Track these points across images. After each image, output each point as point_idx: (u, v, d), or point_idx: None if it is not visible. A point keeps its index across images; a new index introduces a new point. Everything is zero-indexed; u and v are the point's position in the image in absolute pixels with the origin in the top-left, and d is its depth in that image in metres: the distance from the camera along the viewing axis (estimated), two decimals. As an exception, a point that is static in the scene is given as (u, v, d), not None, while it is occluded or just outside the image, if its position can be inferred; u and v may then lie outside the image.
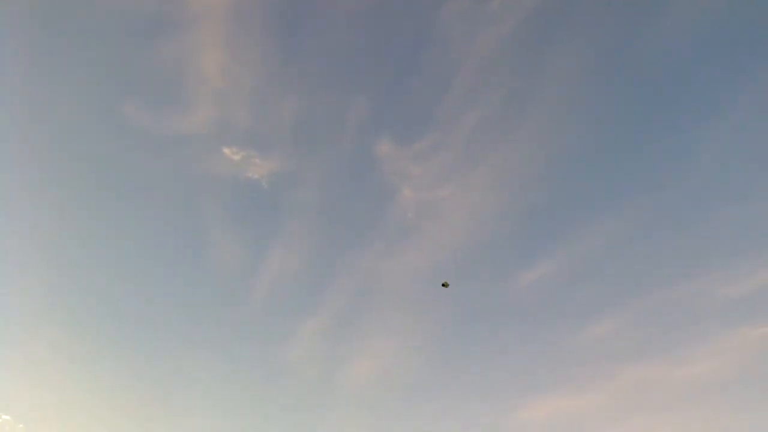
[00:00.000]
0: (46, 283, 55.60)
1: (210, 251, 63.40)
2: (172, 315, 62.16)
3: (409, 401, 66.66)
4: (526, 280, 67.61)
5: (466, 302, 69.40)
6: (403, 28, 64.46)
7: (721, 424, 55.79)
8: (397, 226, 68.58)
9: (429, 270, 71.62)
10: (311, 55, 61.52)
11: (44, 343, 53.21)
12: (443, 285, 33.45)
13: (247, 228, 68.19)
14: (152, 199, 61.10)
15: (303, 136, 63.95)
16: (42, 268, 56.89)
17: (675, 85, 63.54)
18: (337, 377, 64.37)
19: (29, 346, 52.58)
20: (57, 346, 54.17)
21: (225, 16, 58.08)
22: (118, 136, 57.75)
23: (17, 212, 54.87)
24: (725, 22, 60.10)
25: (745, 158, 63.94)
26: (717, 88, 62.97)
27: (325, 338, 64.98)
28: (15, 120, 53.02)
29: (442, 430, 64.07)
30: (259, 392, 63.40)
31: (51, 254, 56.70)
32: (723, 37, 60.44)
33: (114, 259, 60.18)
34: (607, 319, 68.33)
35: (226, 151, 60.49)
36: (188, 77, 56.59)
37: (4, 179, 53.68)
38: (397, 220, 68.91)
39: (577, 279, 70.23)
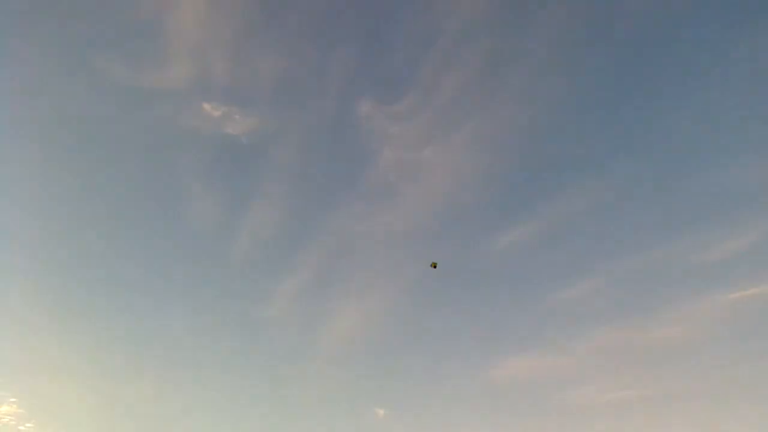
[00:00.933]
0: (25, 244, 55.54)
1: (188, 208, 63.16)
2: (150, 272, 62.11)
3: (386, 360, 67.74)
4: (504, 243, 68.09)
5: (444, 263, 69.86)
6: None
7: (691, 387, 57.40)
8: (377, 186, 68.53)
9: (408, 231, 71.88)
10: (293, 11, 60.00)
11: (20, 298, 53.20)
12: (432, 266, 34.09)
13: (227, 185, 67.82)
14: (129, 155, 60.46)
15: (284, 93, 62.98)
16: (19, 228, 56.62)
17: (654, 52, 62.76)
18: (316, 335, 65.15)
19: (4, 302, 52.46)
20: (33, 302, 54.27)
21: (203, -34, 56.32)
22: (92, 90, 56.59)
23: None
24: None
25: (722, 126, 63.78)
26: (695, 58, 62.22)
27: (305, 297, 65.49)
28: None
29: (419, 388, 65.58)
30: (238, 349, 64.10)
31: (29, 213, 56.44)
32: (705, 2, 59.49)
33: (90, 216, 59.92)
34: (582, 282, 69.02)
35: (206, 106, 59.68)
36: (166, 30, 55.13)
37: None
38: (377, 181, 68.79)
39: (553, 242, 70.75)
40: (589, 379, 62.95)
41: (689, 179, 63.64)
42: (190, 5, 54.84)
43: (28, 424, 47.48)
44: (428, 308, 67.99)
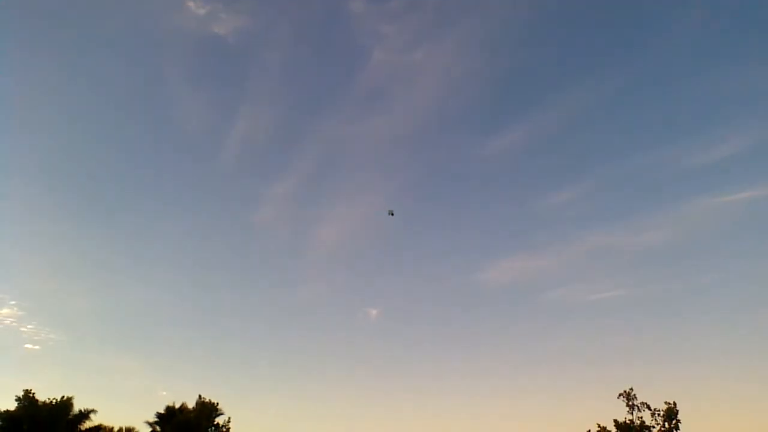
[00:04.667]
0: (14, 141, 52.99)
1: (175, 110, 60.58)
2: (138, 174, 60.95)
3: (377, 262, 69.86)
4: (495, 147, 67.85)
5: (433, 168, 69.99)
6: None
7: (678, 288, 60.83)
8: (367, 89, 66.15)
9: (399, 134, 70.66)
10: None
11: (18, 202, 51.82)
12: (389, 213, 34.56)
13: (214, 87, 64.74)
14: (113, 55, 56.51)
15: (272, -10, 58.05)
16: (10, 125, 53.64)
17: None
18: (307, 238, 66.20)
19: (3, 205, 50.92)
20: (31, 205, 53.22)
21: None
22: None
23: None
24: None
25: (720, 26, 61.69)
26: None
27: (296, 200, 65.60)
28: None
29: (409, 289, 68.34)
30: (229, 252, 65.10)
31: (16, 111, 53.20)
32: None
33: (77, 117, 57.02)
34: (571, 185, 70.20)
35: (190, 4, 54.95)
36: None
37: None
38: (368, 83, 66.27)
39: (545, 146, 70.84)
40: (577, 280, 66.14)
41: (683, 82, 62.68)
42: None
43: (29, 326, 48.44)
44: (418, 211, 68.91)
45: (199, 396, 31.36)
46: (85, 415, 29.39)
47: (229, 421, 31.41)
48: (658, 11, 56.80)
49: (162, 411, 30.30)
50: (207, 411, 30.71)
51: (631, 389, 27.62)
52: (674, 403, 26.92)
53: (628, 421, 27.52)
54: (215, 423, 30.92)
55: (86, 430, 29.32)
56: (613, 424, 27.97)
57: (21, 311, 47.51)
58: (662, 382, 48.14)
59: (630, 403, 27.66)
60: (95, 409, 28.79)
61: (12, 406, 27.77)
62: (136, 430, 32.13)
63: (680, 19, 56.43)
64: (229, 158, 57.76)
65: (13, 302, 47.57)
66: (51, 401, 28.71)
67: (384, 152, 65.44)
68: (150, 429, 29.80)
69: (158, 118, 57.41)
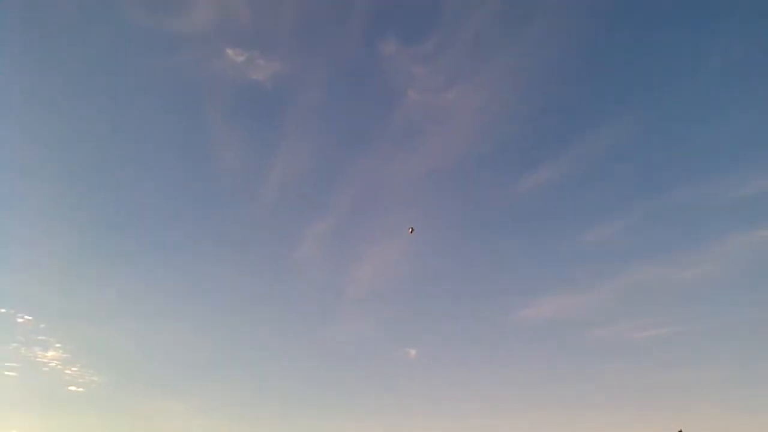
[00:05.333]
0: (59, 186, 55.74)
1: (215, 153, 62.86)
2: (180, 217, 62.59)
3: (417, 300, 68.67)
4: (532, 182, 67.41)
5: (472, 205, 69.61)
6: None
7: (722, 324, 57.73)
8: (402, 128, 67.52)
9: (434, 172, 71.17)
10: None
11: (60, 247, 54.06)
12: (410, 231, 34.99)
13: (253, 130, 67.25)
14: (156, 101, 59.90)
15: (306, 35, 61.27)
16: (55, 170, 56.60)
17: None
18: (344, 277, 65.86)
19: (46, 251, 53.38)
20: (72, 250, 55.14)
21: None
22: (118, 35, 55.44)
23: (19, 116, 53.81)
24: None
25: (757, 61, 61.52)
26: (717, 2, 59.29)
27: (334, 239, 65.76)
28: (9, 20, 50.78)
29: (449, 328, 66.55)
30: (269, 291, 65.09)
31: (57, 161, 56.25)
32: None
33: (121, 161, 59.84)
34: (612, 220, 68.44)
35: (229, 52, 58.30)
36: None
37: (6, 77, 52.17)
38: (403, 123, 67.72)
39: (582, 181, 69.88)
40: (618, 317, 63.31)
41: (722, 115, 61.98)
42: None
43: (73, 368, 48.97)
44: (457, 249, 68.06)
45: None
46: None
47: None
48: (694, 44, 56.80)
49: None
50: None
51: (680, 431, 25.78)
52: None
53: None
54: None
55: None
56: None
57: (66, 354, 47.82)
58: (713, 422, 44.67)
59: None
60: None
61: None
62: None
63: (718, 51, 56.11)
64: (268, 198, 58.59)
65: (58, 345, 48.01)
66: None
67: (420, 190, 65.29)
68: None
69: (199, 160, 59.67)
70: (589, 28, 60.89)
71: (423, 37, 61.68)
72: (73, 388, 48.43)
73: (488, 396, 57.81)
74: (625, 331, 59.15)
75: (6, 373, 46.81)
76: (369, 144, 69.39)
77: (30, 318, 48.90)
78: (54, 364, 48.87)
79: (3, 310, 48.19)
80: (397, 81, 64.23)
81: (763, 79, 57.27)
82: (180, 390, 52.21)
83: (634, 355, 57.39)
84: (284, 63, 61.30)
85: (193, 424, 50.47)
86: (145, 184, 58.98)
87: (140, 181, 58.53)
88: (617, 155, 65.93)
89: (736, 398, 49.65)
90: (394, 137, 67.08)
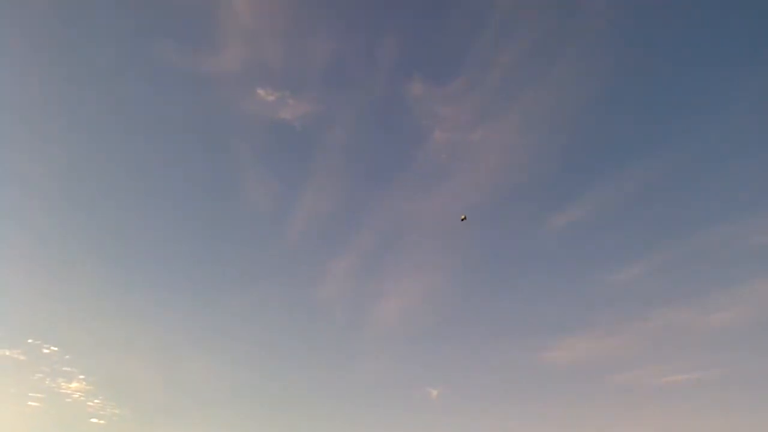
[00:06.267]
0: (89, 218, 57.01)
1: (244, 191, 64.14)
2: (207, 252, 63.44)
3: (440, 340, 67.98)
4: (557, 224, 67.32)
5: (496, 244, 69.55)
6: (436, -32, 62.09)
7: (748, 371, 56.26)
8: (428, 167, 68.39)
9: (459, 212, 71.43)
10: (344, -5, 60.02)
11: (87, 279, 54.97)
12: (462, 219, 34.62)
13: (281, 169, 68.56)
14: (187, 138, 61.66)
15: (335, 77, 63.12)
16: (86, 210, 58.07)
17: (711, 29, 60.72)
18: (367, 316, 65.72)
19: (74, 283, 54.32)
20: (100, 282, 55.92)
21: (256, -46, 56.56)
22: (150, 76, 57.64)
23: (48, 155, 55.64)
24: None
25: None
26: (751, 39, 60.19)
27: (356, 278, 65.94)
28: (47, 61, 53.14)
29: (471, 368, 65.55)
30: (293, 328, 64.97)
31: (88, 196, 57.79)
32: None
33: (150, 200, 61.20)
34: (638, 263, 67.74)
35: (260, 92, 60.15)
36: (221, 16, 55.63)
37: (36, 121, 54.24)
38: (429, 162, 68.64)
39: (608, 223, 69.56)
40: (648, 361, 61.94)
41: (748, 158, 61.94)
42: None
43: (96, 400, 48.92)
44: (481, 289, 67.74)
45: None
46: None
47: None
48: (721, 85, 57.64)
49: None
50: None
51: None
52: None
53: None
54: None
55: None
56: None
57: (89, 385, 47.99)
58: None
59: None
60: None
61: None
62: None
63: (747, 92, 56.94)
64: (294, 235, 59.26)
65: (82, 376, 48.26)
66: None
67: (445, 228, 65.56)
68: None
69: (228, 197, 60.74)
70: (617, 67, 61.76)
71: (449, 77, 63.02)
72: (95, 420, 48.25)
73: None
74: (650, 376, 57.70)
75: (30, 403, 46.91)
76: (394, 183, 70.03)
77: (56, 349, 49.23)
78: (77, 396, 48.88)
79: (30, 341, 48.61)
80: (423, 121, 65.29)
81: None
82: (201, 424, 51.70)
83: (660, 400, 55.73)
84: (313, 103, 62.68)
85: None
86: (174, 219, 60.17)
87: (170, 215, 59.77)
88: (644, 196, 65.75)
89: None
90: (419, 176, 67.67)
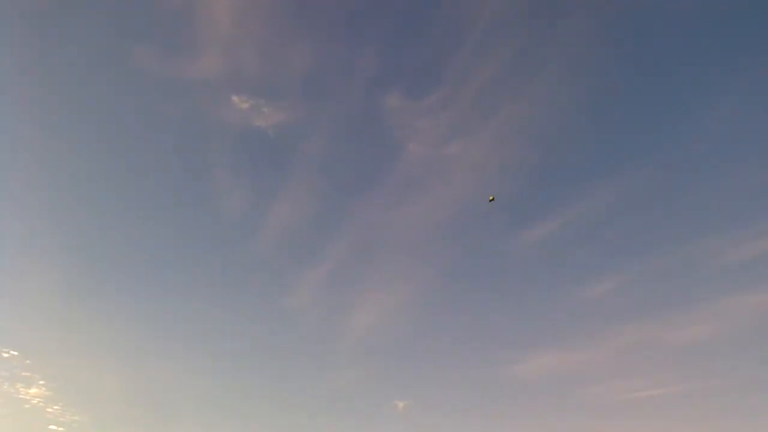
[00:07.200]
0: (55, 224, 56.33)
1: (216, 197, 63.83)
2: (178, 259, 62.91)
3: (408, 353, 67.86)
4: (529, 239, 67.87)
5: (468, 259, 69.88)
6: (416, -19, 62.80)
7: (714, 387, 56.99)
8: (402, 180, 68.67)
9: (433, 225, 71.89)
10: (322, 5, 60.37)
11: (51, 281, 54.20)
12: (490, 200, 34.39)
13: (254, 177, 68.34)
14: (159, 144, 61.32)
15: (312, 86, 63.37)
16: (49, 217, 57.39)
17: (684, 47, 62.12)
18: (339, 327, 65.40)
19: (36, 285, 53.53)
20: (63, 285, 55.18)
21: (235, -39, 56.75)
22: (126, 80, 57.39)
23: (19, 157, 55.05)
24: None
25: (751, 125, 63.35)
26: (722, 57, 61.72)
27: (329, 288, 65.70)
28: (22, 64, 52.78)
29: (439, 381, 65.52)
30: (261, 338, 64.53)
31: (60, 202, 57.19)
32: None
33: (120, 205, 60.69)
34: (606, 280, 68.56)
35: (235, 99, 60.11)
36: (197, 22, 55.69)
37: (11, 123, 53.73)
38: (403, 175, 68.94)
39: (579, 239, 70.35)
40: (610, 377, 62.41)
41: (717, 179, 63.14)
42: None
43: (55, 407, 48.05)
44: (451, 302, 67.89)
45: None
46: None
47: None
48: (690, 105, 59.18)
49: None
50: None
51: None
52: None
53: None
54: None
55: None
56: None
57: (49, 391, 47.24)
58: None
59: None
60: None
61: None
62: None
63: (716, 114, 58.58)
64: (266, 244, 59.24)
65: (42, 382, 47.53)
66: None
67: (418, 241, 66.04)
68: None
69: (199, 203, 60.78)
70: (591, 86, 62.93)
71: (427, 92, 63.74)
72: (54, 427, 47.33)
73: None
74: (618, 391, 58.15)
75: (-14, 409, 46.05)
76: (368, 194, 70.22)
77: (15, 353, 48.46)
78: (36, 402, 47.98)
79: (-11, 345, 47.83)
80: (399, 134, 65.77)
81: (760, 144, 58.68)
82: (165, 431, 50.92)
83: (627, 415, 56.15)
84: (288, 112, 62.85)
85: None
86: (143, 224, 59.61)
87: (139, 220, 59.17)
88: (615, 213, 66.68)
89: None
90: (393, 189, 67.97)
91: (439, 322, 68.87)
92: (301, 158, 64.65)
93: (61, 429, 47.59)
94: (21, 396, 47.39)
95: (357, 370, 61.20)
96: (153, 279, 59.44)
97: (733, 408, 55.33)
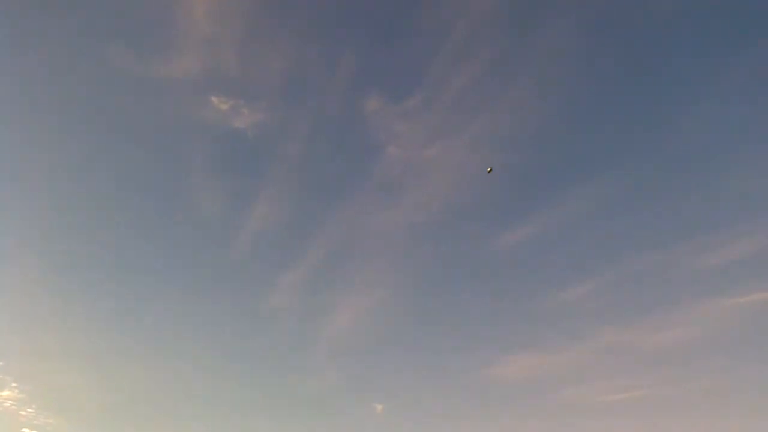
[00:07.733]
0: (27, 225, 55.70)
1: (194, 198, 63.49)
2: (154, 259, 62.43)
3: (386, 355, 67.85)
4: (507, 242, 68.22)
5: (447, 261, 70.09)
6: (397, -15, 62.96)
7: (690, 390, 57.61)
8: (381, 182, 68.79)
9: (411, 227, 72.03)
10: (302, 7, 60.41)
11: (23, 283, 53.52)
12: (488, 171, 34.18)
13: (232, 177, 68.11)
14: (137, 145, 60.93)
15: (291, 88, 63.31)
16: (21, 217, 56.81)
17: (661, 54, 62.98)
18: (317, 329, 65.27)
19: (8, 286, 52.85)
20: (35, 287, 54.55)
21: (216, -40, 56.58)
22: (104, 80, 56.99)
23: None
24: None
25: (729, 131, 64.24)
26: (700, 61, 62.47)
27: (307, 290, 65.55)
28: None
29: (418, 384, 65.65)
30: (239, 340, 64.21)
31: (33, 202, 56.61)
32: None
33: (95, 205, 60.20)
34: (584, 283, 69.04)
35: (214, 99, 59.89)
36: (177, 23, 55.46)
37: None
38: (382, 177, 69.10)
39: (556, 243, 70.82)
40: (588, 379, 62.93)
41: (693, 184, 64.03)
42: (200, -1, 55.04)
43: (28, 409, 47.54)
44: (429, 304, 68.10)
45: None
46: None
47: None
48: (666, 112, 59.96)
49: None
50: None
51: None
52: None
53: None
54: None
55: None
56: None
57: (21, 394, 46.80)
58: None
59: None
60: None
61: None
62: None
63: (692, 119, 59.48)
64: (244, 246, 59.17)
65: (14, 384, 47.02)
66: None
67: (397, 243, 66.25)
68: None
69: (177, 204, 60.58)
70: (570, 90, 63.45)
71: (406, 94, 63.89)
72: (26, 430, 46.84)
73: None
74: (595, 393, 58.62)
75: (-43, 411, 45.49)
76: (347, 197, 70.24)
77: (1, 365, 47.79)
78: (9, 404, 47.42)
79: (-39, 346, 47.28)
80: (378, 136, 65.91)
81: (737, 151, 59.49)
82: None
83: (604, 417, 56.60)
84: (268, 113, 62.80)
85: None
86: (118, 225, 59.08)
87: (114, 221, 58.68)
88: (593, 217, 67.23)
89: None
90: (372, 191, 68.07)
91: (419, 325, 69.02)
92: (281, 159, 64.60)
93: (34, 432, 47.10)
94: (-7, 398, 46.79)
95: (335, 372, 61.17)
96: (128, 280, 58.94)
97: (710, 409, 56.00)
